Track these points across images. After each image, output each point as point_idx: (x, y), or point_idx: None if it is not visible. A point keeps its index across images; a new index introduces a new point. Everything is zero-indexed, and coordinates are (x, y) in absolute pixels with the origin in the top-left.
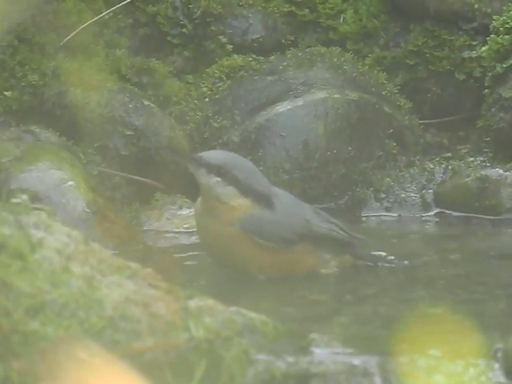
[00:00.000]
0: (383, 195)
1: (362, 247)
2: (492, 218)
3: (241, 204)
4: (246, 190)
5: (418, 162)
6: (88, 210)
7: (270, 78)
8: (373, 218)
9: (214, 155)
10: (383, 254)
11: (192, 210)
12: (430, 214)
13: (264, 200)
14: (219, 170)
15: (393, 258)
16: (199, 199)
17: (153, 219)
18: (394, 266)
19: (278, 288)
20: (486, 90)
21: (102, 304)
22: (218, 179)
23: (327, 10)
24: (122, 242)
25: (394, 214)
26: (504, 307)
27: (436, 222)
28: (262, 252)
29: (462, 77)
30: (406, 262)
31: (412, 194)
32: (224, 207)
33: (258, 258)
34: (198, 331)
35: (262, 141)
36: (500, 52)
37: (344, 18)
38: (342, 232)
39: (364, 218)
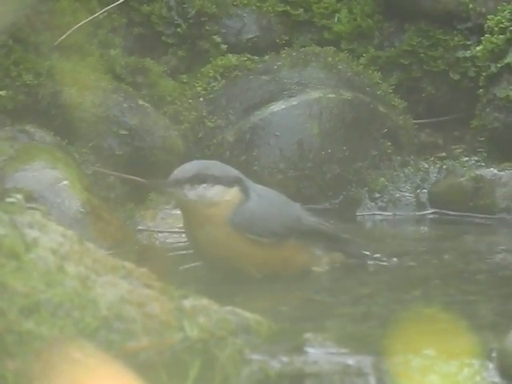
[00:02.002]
0: (378, 195)
1: (353, 245)
2: (486, 217)
3: (233, 195)
4: (228, 181)
5: (412, 162)
6: (82, 210)
7: (264, 77)
8: (367, 217)
9: (185, 170)
10: (370, 252)
11: None
12: (424, 213)
13: (241, 184)
14: (199, 177)
15: (379, 255)
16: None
17: (147, 219)
18: (382, 263)
19: (273, 287)
20: (481, 90)
21: (96, 304)
22: (204, 185)
23: (322, 10)
24: (117, 242)
25: (389, 214)
26: (498, 307)
27: (430, 221)
28: (254, 248)
29: (456, 76)
30: (395, 260)
31: (406, 194)
32: (216, 209)
33: (251, 254)
34: (192, 331)
35: (256, 140)
36: (494, 52)
37: (338, 18)
38: (329, 227)
39: (358, 218)
